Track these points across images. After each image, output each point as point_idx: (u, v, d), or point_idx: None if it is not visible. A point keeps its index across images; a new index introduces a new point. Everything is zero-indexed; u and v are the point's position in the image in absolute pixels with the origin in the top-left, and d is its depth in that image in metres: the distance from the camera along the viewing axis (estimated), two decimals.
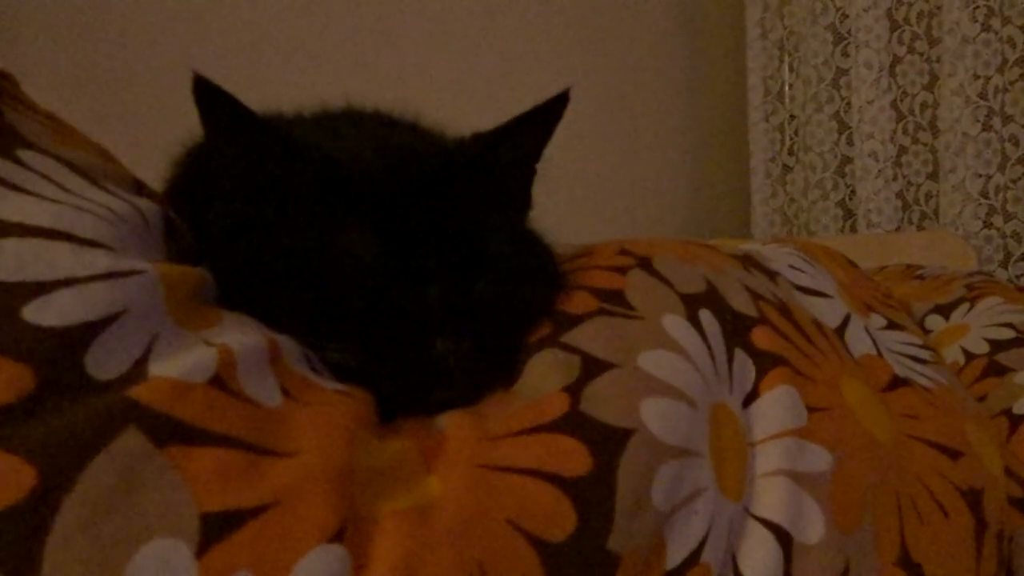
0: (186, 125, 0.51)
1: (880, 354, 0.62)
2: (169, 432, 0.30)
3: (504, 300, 0.47)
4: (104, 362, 0.32)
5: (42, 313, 0.31)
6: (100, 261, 0.35)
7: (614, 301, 0.50)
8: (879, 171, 1.68)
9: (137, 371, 0.33)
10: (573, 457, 0.38)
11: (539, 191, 0.56)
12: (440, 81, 1.49)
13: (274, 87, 0.62)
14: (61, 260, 0.34)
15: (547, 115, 0.52)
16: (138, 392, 0.31)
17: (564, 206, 0.58)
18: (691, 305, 0.51)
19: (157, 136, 0.54)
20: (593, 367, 0.43)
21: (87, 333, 0.32)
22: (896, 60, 1.70)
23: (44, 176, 0.39)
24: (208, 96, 0.44)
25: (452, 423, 0.40)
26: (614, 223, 1.79)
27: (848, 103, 1.76)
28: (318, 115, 0.57)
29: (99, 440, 0.29)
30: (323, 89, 0.60)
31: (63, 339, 0.31)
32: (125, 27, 1.13)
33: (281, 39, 1.31)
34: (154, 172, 0.54)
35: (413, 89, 0.65)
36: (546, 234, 0.56)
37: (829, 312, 0.63)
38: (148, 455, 0.29)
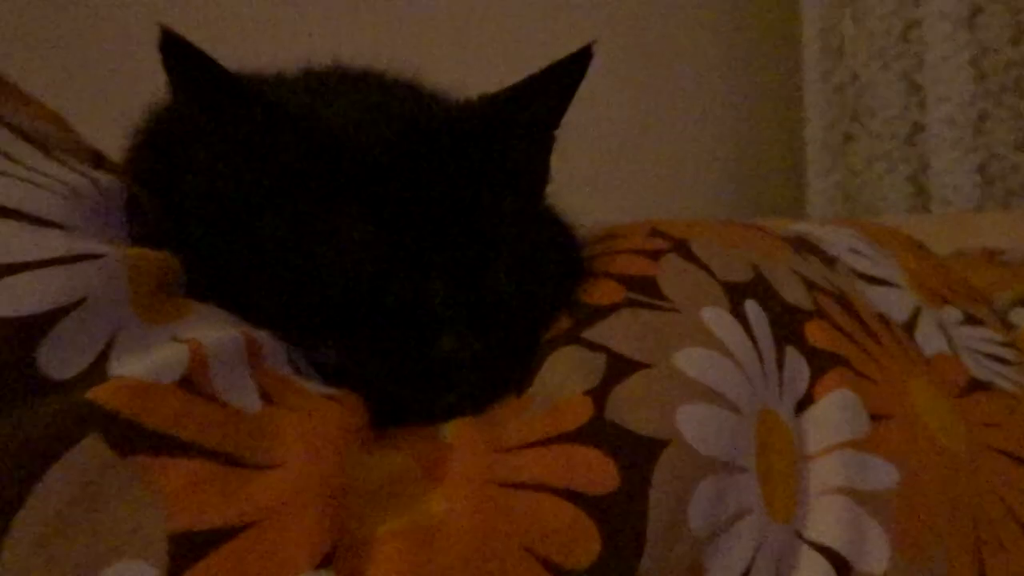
0: (151, 86, 0.51)
1: (955, 353, 0.63)
2: (134, 440, 0.31)
3: (517, 291, 0.47)
4: (60, 359, 0.32)
5: None
6: (55, 243, 0.36)
7: (645, 291, 0.50)
8: (956, 140, 1.67)
9: (97, 369, 0.33)
10: (598, 472, 0.38)
11: (557, 163, 0.57)
12: (441, 32, 1.49)
13: (249, 39, 0.62)
14: (11, 241, 0.35)
15: (567, 74, 0.52)
16: (99, 394, 0.31)
17: (586, 181, 0.58)
18: (735, 295, 0.51)
19: (117, 99, 0.54)
20: (620, 367, 0.44)
21: (40, 325, 0.33)
22: (976, 10, 1.69)
23: None
24: (177, 54, 0.44)
25: (457, 432, 0.41)
26: (645, 201, 1.79)
27: (920, 60, 1.74)
28: (301, 75, 0.58)
29: (55, 449, 0.29)
30: (306, 43, 0.60)
31: (15, 331, 0.32)
32: None
33: None
34: (114, 141, 0.54)
35: (410, 42, 0.65)
36: (566, 214, 0.56)
37: (896, 304, 0.64)
38: (111, 466, 0.30)
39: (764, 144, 2.05)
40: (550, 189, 0.56)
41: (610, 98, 1.69)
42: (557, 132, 0.55)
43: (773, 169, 2.05)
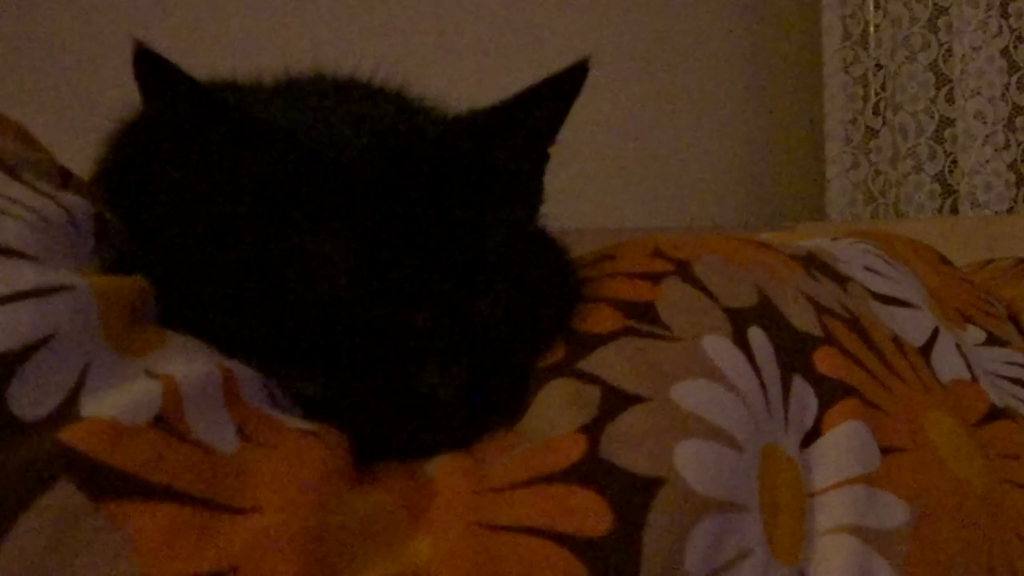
0: (121, 95, 0.53)
1: (975, 378, 0.63)
2: (108, 484, 0.32)
3: (507, 318, 0.48)
4: (30, 398, 0.34)
5: None
6: (24, 276, 0.37)
7: (644, 318, 0.51)
8: (987, 137, 1.69)
9: (68, 409, 0.35)
10: (590, 513, 0.39)
11: (555, 176, 0.58)
12: (431, 40, 1.49)
13: (228, 42, 0.63)
14: None
15: (562, 88, 0.53)
16: (70, 435, 0.33)
17: (598, 182, 0.59)
18: (739, 322, 0.52)
19: (86, 110, 0.56)
20: (616, 401, 0.45)
21: (9, 364, 0.34)
22: None
23: None
24: (151, 70, 0.45)
25: (443, 470, 0.42)
26: (654, 205, 1.80)
27: (948, 50, 1.76)
28: (281, 85, 0.59)
29: (27, 494, 0.31)
30: (287, 48, 0.61)
31: None
32: None
33: None
34: (83, 156, 0.56)
35: (398, 50, 0.67)
36: (560, 233, 0.57)
37: (913, 326, 0.64)
38: (84, 513, 0.31)
39: (780, 140, 2.06)
40: (545, 208, 0.58)
41: (623, 94, 1.70)
42: (552, 148, 0.56)
43: (791, 167, 2.06)
